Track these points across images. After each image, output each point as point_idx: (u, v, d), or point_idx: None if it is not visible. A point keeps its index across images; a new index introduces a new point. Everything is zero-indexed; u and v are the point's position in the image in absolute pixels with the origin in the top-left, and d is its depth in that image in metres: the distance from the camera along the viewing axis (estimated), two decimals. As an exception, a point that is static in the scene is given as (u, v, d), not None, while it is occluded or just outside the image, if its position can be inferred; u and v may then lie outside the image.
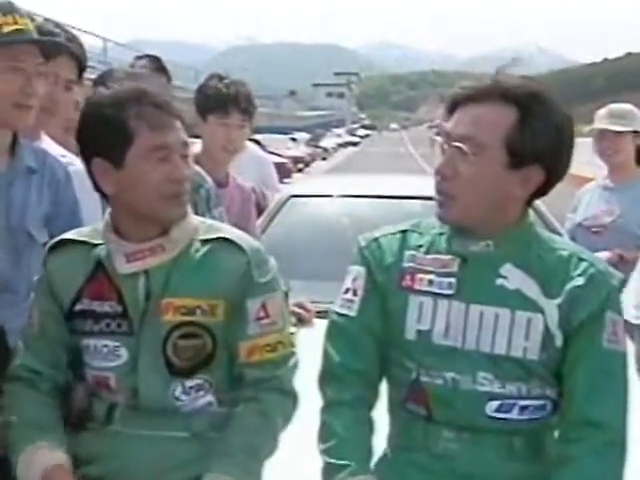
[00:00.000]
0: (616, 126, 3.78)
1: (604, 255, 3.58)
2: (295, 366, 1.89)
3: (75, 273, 1.87)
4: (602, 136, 3.84)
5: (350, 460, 1.71)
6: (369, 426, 1.79)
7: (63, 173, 2.21)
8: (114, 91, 1.83)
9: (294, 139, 38.18)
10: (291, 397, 1.87)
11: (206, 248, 1.86)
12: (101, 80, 2.80)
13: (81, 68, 2.56)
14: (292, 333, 2.01)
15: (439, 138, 1.74)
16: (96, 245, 1.88)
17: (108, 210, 1.90)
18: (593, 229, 3.82)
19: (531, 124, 1.67)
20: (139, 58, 3.92)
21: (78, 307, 1.87)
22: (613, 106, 3.89)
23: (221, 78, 3.10)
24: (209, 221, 1.98)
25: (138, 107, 1.78)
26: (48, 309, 1.90)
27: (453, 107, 1.74)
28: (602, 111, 3.87)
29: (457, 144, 1.69)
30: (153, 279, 1.82)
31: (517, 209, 1.75)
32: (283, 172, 16.51)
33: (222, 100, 3.03)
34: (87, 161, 1.85)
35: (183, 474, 1.80)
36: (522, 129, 1.67)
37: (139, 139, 1.78)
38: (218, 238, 1.86)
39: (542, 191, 1.76)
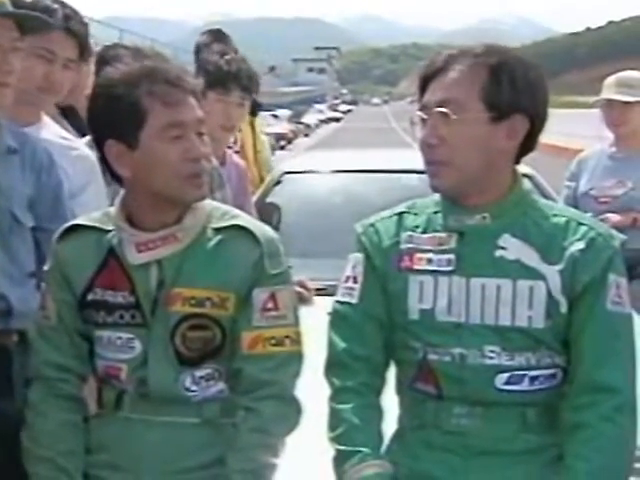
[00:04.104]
0: (624, 96, 3.65)
1: (615, 218, 3.55)
2: (298, 373, 1.80)
3: (87, 260, 1.82)
4: (610, 106, 3.72)
5: (361, 446, 1.71)
6: (378, 412, 1.78)
7: (46, 156, 2.11)
8: (124, 70, 1.77)
9: (275, 116, 37.85)
10: (293, 405, 1.79)
11: (219, 237, 1.80)
12: (105, 59, 2.74)
13: (82, 47, 2.40)
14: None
15: (419, 113, 1.74)
16: (108, 231, 1.82)
17: (119, 196, 1.84)
18: (601, 199, 3.71)
19: (504, 76, 1.68)
20: (202, 34, 3.84)
21: (90, 297, 1.82)
22: (621, 74, 3.77)
23: (222, 54, 3.03)
24: (223, 206, 1.91)
25: (150, 84, 1.73)
26: (63, 298, 1.84)
27: (425, 84, 1.75)
28: (610, 80, 3.75)
29: (438, 109, 1.69)
30: (165, 269, 1.77)
31: (508, 167, 1.75)
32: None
33: (223, 77, 2.96)
34: (100, 144, 1.79)
35: (194, 460, 1.78)
36: (496, 81, 1.68)
37: (152, 117, 1.72)
38: (232, 226, 1.81)
39: (528, 145, 1.75)
